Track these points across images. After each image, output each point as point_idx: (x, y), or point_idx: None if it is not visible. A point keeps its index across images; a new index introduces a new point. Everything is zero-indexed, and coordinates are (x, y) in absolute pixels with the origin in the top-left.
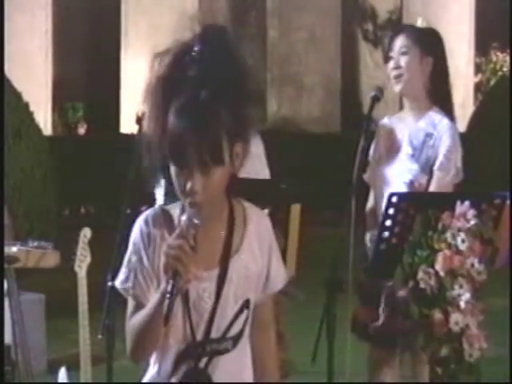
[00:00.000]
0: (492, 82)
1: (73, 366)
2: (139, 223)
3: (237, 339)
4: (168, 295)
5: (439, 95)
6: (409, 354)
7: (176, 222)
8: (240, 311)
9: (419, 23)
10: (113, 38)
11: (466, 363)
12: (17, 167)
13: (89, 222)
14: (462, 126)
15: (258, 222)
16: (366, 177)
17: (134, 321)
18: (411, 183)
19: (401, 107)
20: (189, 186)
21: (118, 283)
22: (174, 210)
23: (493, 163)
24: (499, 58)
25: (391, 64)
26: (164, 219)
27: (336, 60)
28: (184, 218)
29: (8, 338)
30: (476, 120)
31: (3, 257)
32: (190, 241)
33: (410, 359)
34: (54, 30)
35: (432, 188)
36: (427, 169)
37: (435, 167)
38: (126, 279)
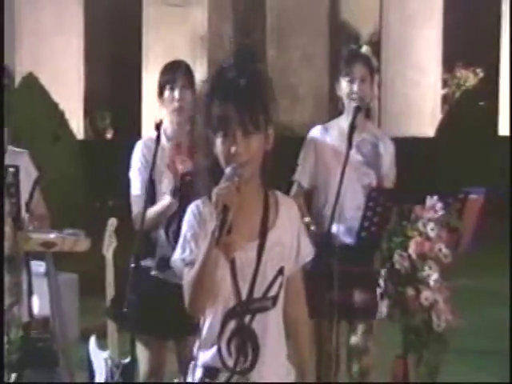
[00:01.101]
0: (456, 95)
1: (101, 335)
2: (191, 208)
3: (275, 299)
4: (220, 228)
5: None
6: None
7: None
8: (277, 276)
9: (364, 50)
10: (135, 56)
11: (434, 333)
12: (54, 166)
13: (115, 213)
14: (432, 131)
15: (288, 207)
16: (298, 176)
17: (190, 277)
18: (369, 185)
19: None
20: (233, 149)
21: (176, 257)
22: None
23: (458, 163)
24: (463, 74)
25: (354, 87)
26: (210, 204)
27: (324, 75)
28: (229, 169)
29: (47, 311)
30: (443, 126)
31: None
32: (235, 183)
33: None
34: (85, 50)
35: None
36: (378, 172)
37: (386, 170)
38: (183, 251)
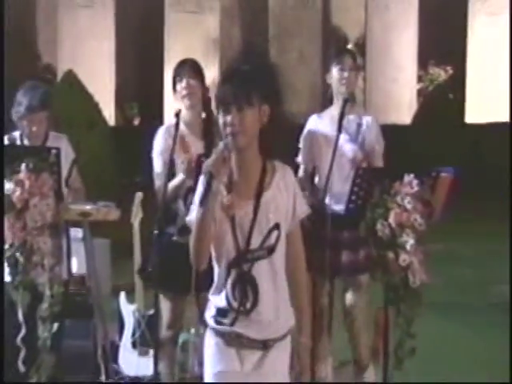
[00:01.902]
0: (430, 89)
1: (129, 291)
2: (200, 180)
3: (270, 250)
4: (204, 193)
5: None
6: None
7: None
8: (272, 230)
9: (350, 47)
10: (158, 55)
11: (410, 289)
12: (89, 148)
13: (141, 188)
14: (408, 119)
15: (283, 172)
16: (299, 159)
17: (192, 234)
18: (353, 159)
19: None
20: (228, 118)
21: (188, 217)
22: None
23: (431, 146)
24: (435, 71)
25: (344, 74)
26: None
27: (318, 71)
28: (221, 143)
29: (83, 271)
30: (418, 115)
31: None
32: (222, 155)
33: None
34: (116, 50)
35: (373, 158)
36: (363, 146)
37: (371, 143)
38: (192, 213)
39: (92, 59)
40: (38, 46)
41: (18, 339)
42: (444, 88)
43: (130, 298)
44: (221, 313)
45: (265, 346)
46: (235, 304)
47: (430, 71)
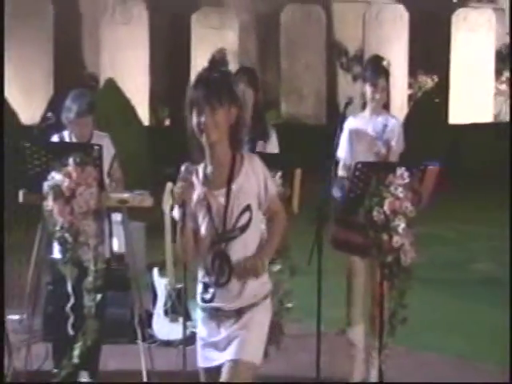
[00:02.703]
0: (418, 94)
1: (162, 267)
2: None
3: (243, 229)
4: (181, 216)
5: (386, 105)
6: (368, 260)
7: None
8: (243, 212)
9: (385, 64)
10: (185, 65)
11: (402, 266)
12: (127, 145)
13: (171, 178)
14: (401, 120)
15: (251, 160)
16: (338, 153)
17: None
18: (377, 153)
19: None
20: (202, 119)
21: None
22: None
23: (419, 143)
24: (423, 79)
25: (373, 88)
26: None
27: (323, 80)
28: (183, 168)
29: (122, 250)
30: (409, 117)
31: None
32: (188, 180)
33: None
34: (150, 60)
35: (391, 154)
36: (386, 144)
37: (393, 143)
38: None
39: (129, 68)
40: (83, 57)
41: (67, 308)
42: (431, 94)
43: (162, 273)
44: (204, 286)
45: (238, 313)
46: (213, 278)
47: (419, 79)
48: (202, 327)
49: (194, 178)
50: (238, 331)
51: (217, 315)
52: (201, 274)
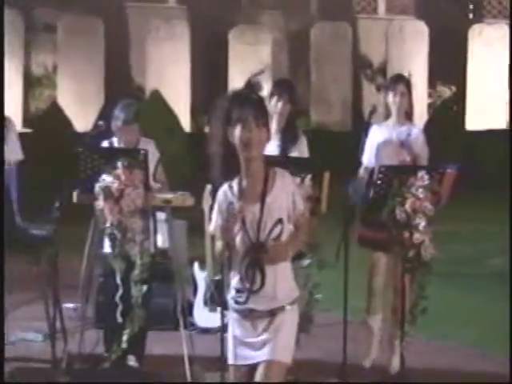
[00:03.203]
0: (437, 103)
1: (202, 261)
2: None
3: (275, 240)
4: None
5: (409, 115)
6: (390, 255)
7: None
8: (275, 225)
9: (407, 75)
10: (223, 77)
11: (422, 261)
12: (171, 150)
13: (210, 181)
14: (421, 127)
15: (282, 177)
16: (363, 159)
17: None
18: (402, 161)
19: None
20: (247, 134)
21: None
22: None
23: (438, 148)
24: (441, 89)
25: (397, 98)
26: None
27: (349, 90)
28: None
29: (166, 245)
30: (429, 124)
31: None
32: (236, 217)
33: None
34: (191, 74)
35: (419, 161)
36: (410, 152)
37: (418, 151)
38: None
39: (172, 81)
40: (130, 71)
41: (117, 297)
42: (448, 102)
43: (202, 267)
44: (238, 292)
45: (271, 314)
46: (247, 285)
47: (438, 89)
48: (235, 327)
49: (228, 190)
50: (272, 332)
51: (251, 316)
52: (234, 279)
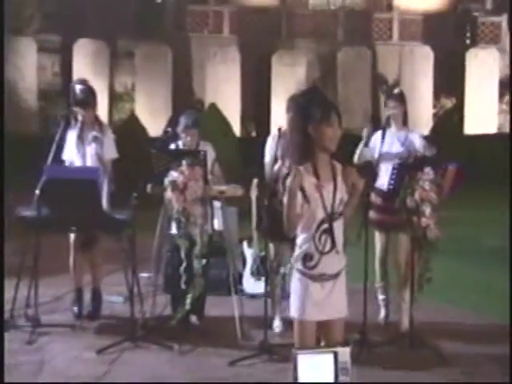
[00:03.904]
0: (440, 113)
1: (249, 240)
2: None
3: (341, 214)
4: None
5: (406, 122)
6: (402, 235)
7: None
8: (341, 202)
9: (396, 91)
10: (267, 92)
11: (428, 241)
12: (225, 151)
13: (257, 175)
14: (427, 132)
15: (339, 166)
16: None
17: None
18: (401, 157)
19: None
20: (331, 130)
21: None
22: None
23: (441, 149)
24: (444, 101)
25: (391, 111)
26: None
27: (369, 101)
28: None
29: (221, 227)
30: (433, 129)
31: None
32: (299, 176)
33: (402, 239)
34: (241, 90)
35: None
36: (407, 150)
37: (417, 148)
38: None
39: (226, 95)
40: (192, 88)
41: (181, 269)
42: (450, 112)
43: (250, 245)
44: (308, 257)
45: (336, 275)
46: (320, 247)
47: (441, 101)
48: (301, 288)
49: (305, 172)
50: (336, 291)
51: (321, 278)
52: (304, 246)
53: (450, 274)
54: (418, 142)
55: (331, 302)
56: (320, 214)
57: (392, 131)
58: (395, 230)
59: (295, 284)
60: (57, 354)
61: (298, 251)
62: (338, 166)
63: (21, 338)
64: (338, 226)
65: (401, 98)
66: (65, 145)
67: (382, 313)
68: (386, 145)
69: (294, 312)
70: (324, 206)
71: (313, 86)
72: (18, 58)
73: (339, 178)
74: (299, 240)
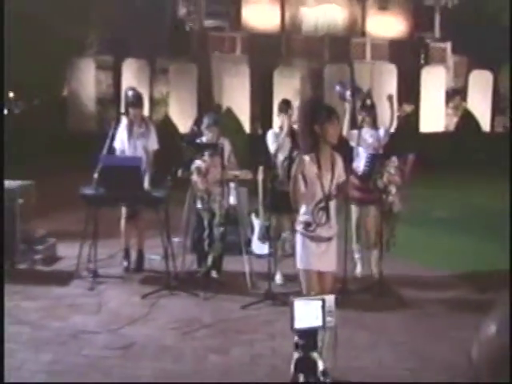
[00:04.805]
0: (402, 115)
1: (256, 212)
2: (299, 158)
3: (336, 195)
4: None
5: (376, 123)
6: (374, 209)
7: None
8: (337, 185)
9: (368, 103)
10: (269, 97)
11: (393, 214)
12: (238, 144)
13: (263, 163)
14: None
15: (337, 156)
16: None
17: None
18: (374, 147)
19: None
20: (333, 127)
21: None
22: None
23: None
24: (405, 106)
25: (367, 118)
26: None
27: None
28: (298, 156)
29: (234, 202)
30: (397, 128)
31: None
32: (302, 163)
33: (373, 212)
34: (250, 98)
35: (386, 145)
36: (377, 141)
37: (382, 138)
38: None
39: (238, 101)
40: (213, 95)
41: (204, 235)
42: (410, 115)
43: (257, 216)
44: (307, 225)
45: (329, 239)
46: (317, 220)
47: (403, 107)
48: (304, 246)
49: (308, 161)
50: (329, 251)
51: (317, 239)
52: (305, 217)
53: (409, 238)
54: (382, 134)
55: (325, 258)
56: (318, 195)
57: (365, 130)
58: (368, 205)
59: (298, 243)
60: (111, 298)
61: (300, 219)
62: (338, 157)
63: (84, 286)
64: (333, 204)
65: (371, 108)
66: (116, 137)
67: (358, 268)
68: (362, 137)
69: (299, 264)
70: (322, 189)
71: (315, 95)
72: (81, 74)
73: (337, 167)
74: (302, 210)
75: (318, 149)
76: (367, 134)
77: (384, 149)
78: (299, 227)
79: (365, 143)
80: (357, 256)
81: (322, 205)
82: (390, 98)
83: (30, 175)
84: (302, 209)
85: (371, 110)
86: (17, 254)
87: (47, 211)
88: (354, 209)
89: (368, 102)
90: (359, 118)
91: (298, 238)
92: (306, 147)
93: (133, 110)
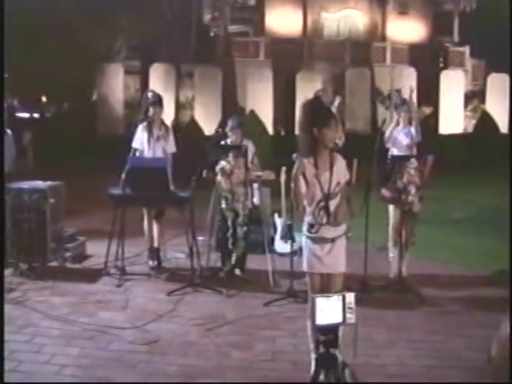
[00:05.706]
0: (421, 118)
1: (279, 212)
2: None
3: (336, 194)
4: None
5: (410, 122)
6: (395, 209)
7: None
8: (337, 184)
9: (406, 97)
10: (292, 101)
11: (413, 213)
12: (261, 146)
13: (285, 165)
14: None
15: (338, 157)
16: (388, 145)
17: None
18: (407, 145)
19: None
20: (332, 131)
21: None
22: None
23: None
24: (424, 108)
25: (403, 114)
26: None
27: (368, 109)
28: (298, 159)
29: (258, 203)
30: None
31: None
32: (302, 164)
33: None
34: (274, 100)
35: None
36: (411, 139)
37: (414, 136)
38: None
39: (261, 104)
40: (237, 98)
41: (228, 234)
42: (429, 117)
43: (279, 216)
44: (311, 226)
45: (333, 240)
46: (319, 220)
47: (422, 109)
48: (309, 248)
49: (307, 163)
50: (333, 252)
51: (320, 241)
52: (308, 218)
53: (428, 237)
54: (415, 133)
55: (330, 260)
56: (318, 195)
57: (399, 128)
58: (391, 203)
59: (304, 245)
60: (138, 294)
61: (305, 221)
62: (338, 158)
63: (111, 283)
64: (335, 204)
65: (406, 105)
66: (134, 137)
67: (393, 268)
68: (396, 138)
69: (304, 266)
70: (321, 189)
71: (316, 97)
72: (109, 79)
73: (335, 167)
74: (306, 213)
75: (316, 152)
76: (401, 133)
77: (418, 148)
78: (304, 229)
79: (399, 144)
80: (391, 255)
81: (322, 204)
82: (411, 89)
83: (60, 176)
84: (307, 210)
85: (406, 107)
86: (47, 252)
87: (77, 211)
88: (391, 208)
89: (402, 99)
90: (395, 116)
91: (303, 241)
92: (304, 150)
93: (153, 109)
